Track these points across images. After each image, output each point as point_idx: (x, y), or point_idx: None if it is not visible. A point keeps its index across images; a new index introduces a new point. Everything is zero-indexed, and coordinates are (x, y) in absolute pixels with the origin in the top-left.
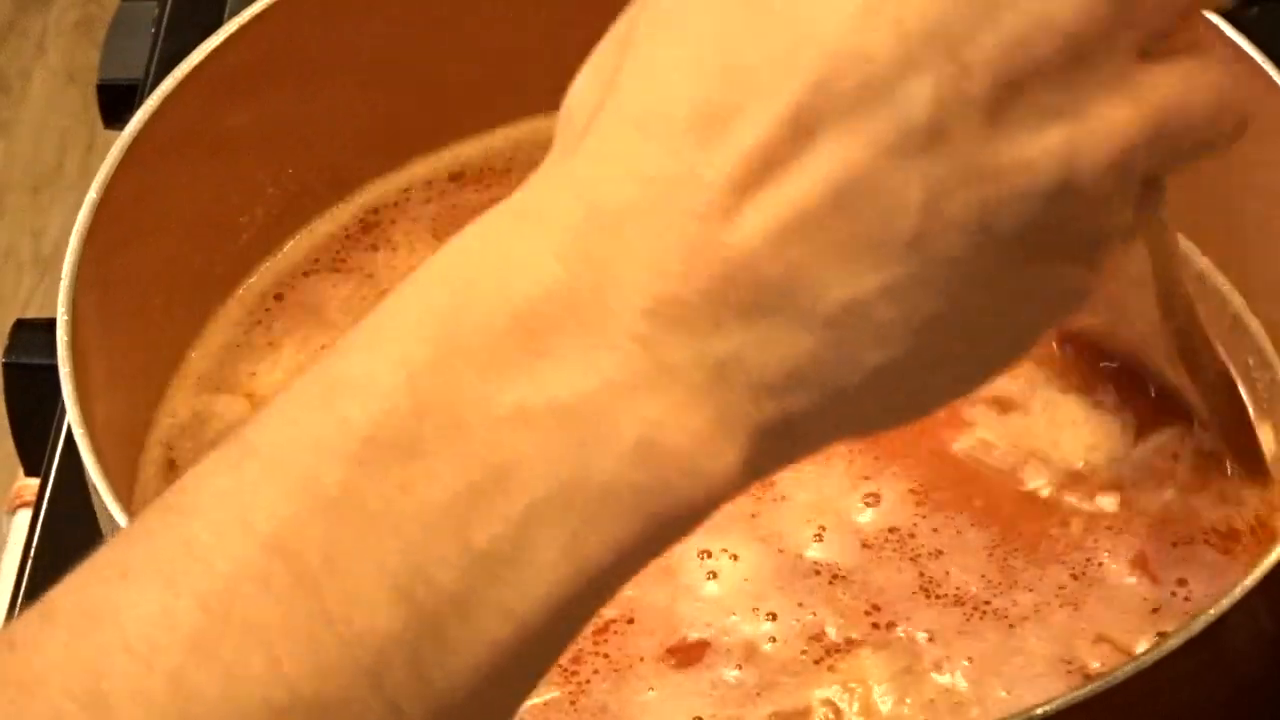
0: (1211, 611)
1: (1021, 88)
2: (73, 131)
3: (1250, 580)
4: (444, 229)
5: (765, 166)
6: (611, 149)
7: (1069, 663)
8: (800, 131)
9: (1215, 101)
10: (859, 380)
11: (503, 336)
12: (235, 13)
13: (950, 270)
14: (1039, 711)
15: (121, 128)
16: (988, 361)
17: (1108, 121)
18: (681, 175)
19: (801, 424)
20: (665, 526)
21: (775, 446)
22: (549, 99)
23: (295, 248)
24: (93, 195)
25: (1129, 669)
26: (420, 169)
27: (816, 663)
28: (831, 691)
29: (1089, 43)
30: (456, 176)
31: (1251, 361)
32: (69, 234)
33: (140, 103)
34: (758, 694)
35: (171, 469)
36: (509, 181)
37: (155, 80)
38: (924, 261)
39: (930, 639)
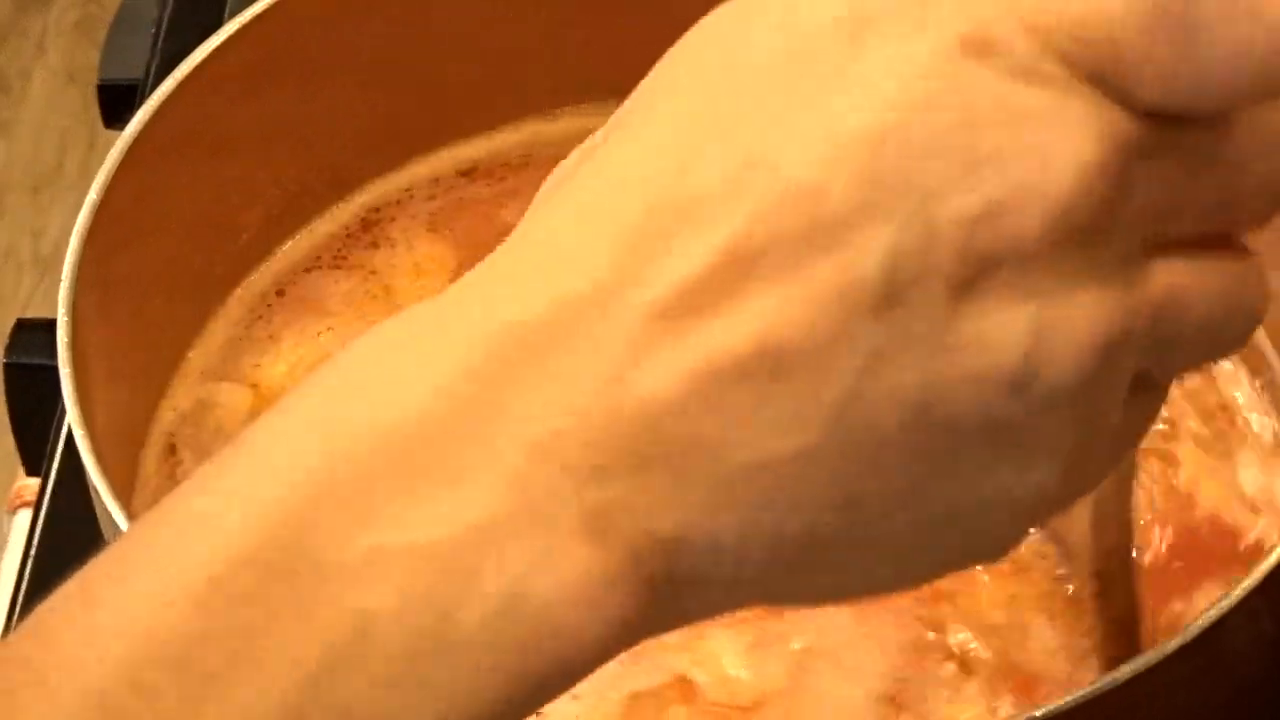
0: (1211, 613)
1: (995, 260)
2: (73, 131)
3: (1250, 581)
4: (444, 225)
5: (691, 305)
6: (538, 256)
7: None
8: (736, 269)
9: (1222, 310)
10: (762, 550)
11: (369, 470)
12: (235, 13)
13: (880, 449)
14: (1038, 713)
15: (122, 128)
16: (935, 558)
17: (1088, 310)
18: (600, 299)
19: (697, 585)
20: (536, 688)
21: (667, 605)
22: (550, 98)
23: (295, 247)
24: (93, 195)
25: (1128, 670)
26: (421, 169)
27: (666, 648)
28: (687, 668)
29: (1080, 222)
30: (467, 173)
31: (1250, 362)
32: (69, 234)
33: (140, 103)
34: (618, 678)
35: (172, 454)
36: (526, 176)
37: (155, 80)
38: (850, 434)
39: (776, 615)
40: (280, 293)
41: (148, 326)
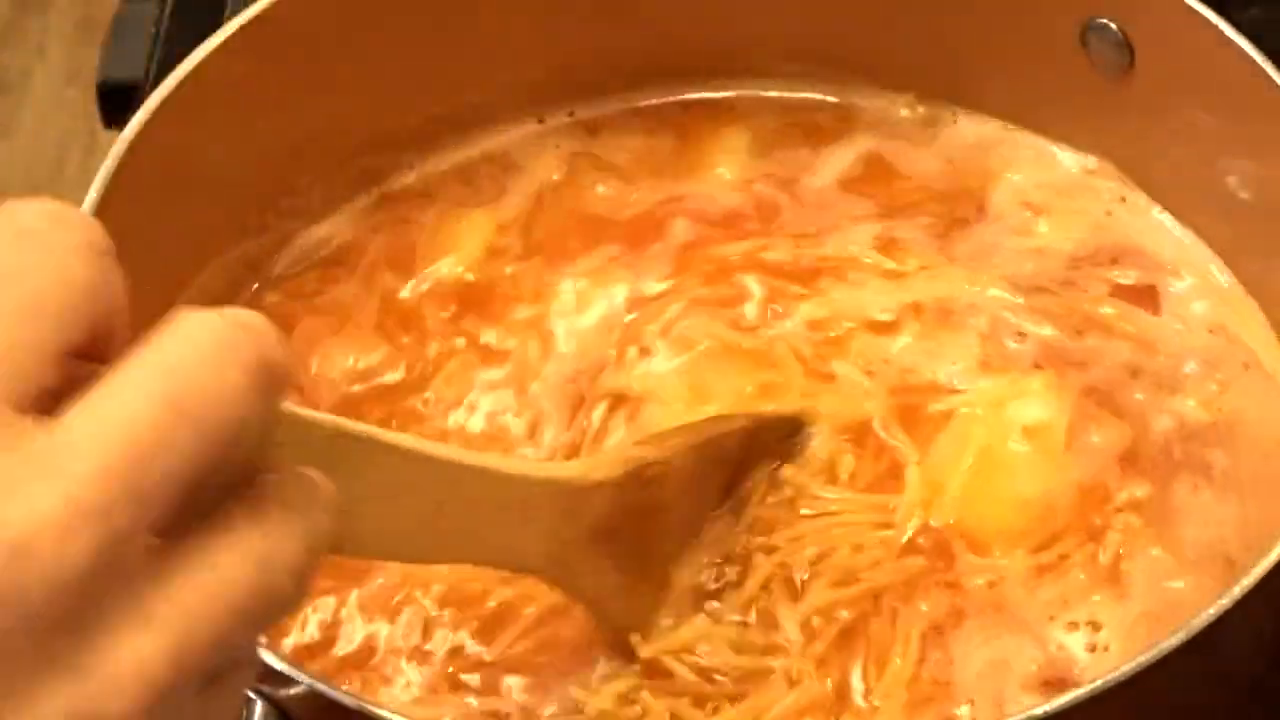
0: (1211, 611)
1: None
2: (73, 132)
3: (1249, 580)
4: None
5: None
6: None
7: None
8: None
9: (258, 580)
10: None
11: None
12: (235, 13)
13: None
14: (1039, 711)
15: (121, 128)
16: None
17: (120, 669)
18: None
19: None
20: None
21: None
22: (560, 102)
23: (297, 248)
24: (93, 195)
25: (1129, 669)
26: (427, 169)
27: None
28: None
29: (64, 599)
30: (465, 176)
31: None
32: None
33: (140, 103)
34: None
35: None
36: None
37: (155, 81)
38: None
39: None
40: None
41: (147, 326)
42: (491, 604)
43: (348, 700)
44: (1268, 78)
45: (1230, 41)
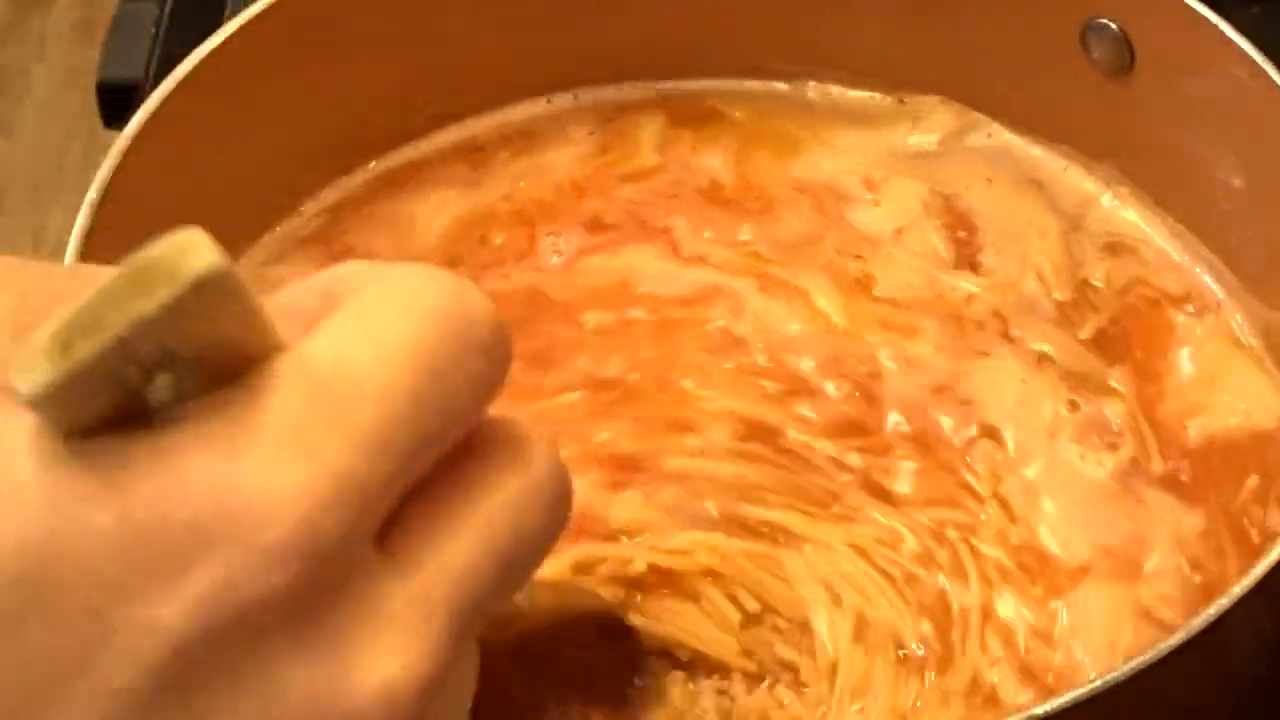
0: (1211, 611)
1: (225, 643)
2: (73, 131)
3: (1250, 580)
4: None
5: None
6: None
7: None
8: None
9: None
10: None
11: None
12: (235, 13)
13: None
14: (1039, 711)
15: (121, 128)
16: None
17: (432, 575)
18: None
19: None
20: None
21: None
22: (550, 83)
23: (296, 250)
24: (92, 195)
25: (1129, 668)
26: (426, 167)
27: None
28: None
29: (299, 594)
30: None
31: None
32: (69, 234)
33: (140, 103)
34: None
35: None
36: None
37: (155, 80)
38: None
39: None
40: None
41: None
42: None
43: None
44: (1268, 78)
45: (1230, 41)
